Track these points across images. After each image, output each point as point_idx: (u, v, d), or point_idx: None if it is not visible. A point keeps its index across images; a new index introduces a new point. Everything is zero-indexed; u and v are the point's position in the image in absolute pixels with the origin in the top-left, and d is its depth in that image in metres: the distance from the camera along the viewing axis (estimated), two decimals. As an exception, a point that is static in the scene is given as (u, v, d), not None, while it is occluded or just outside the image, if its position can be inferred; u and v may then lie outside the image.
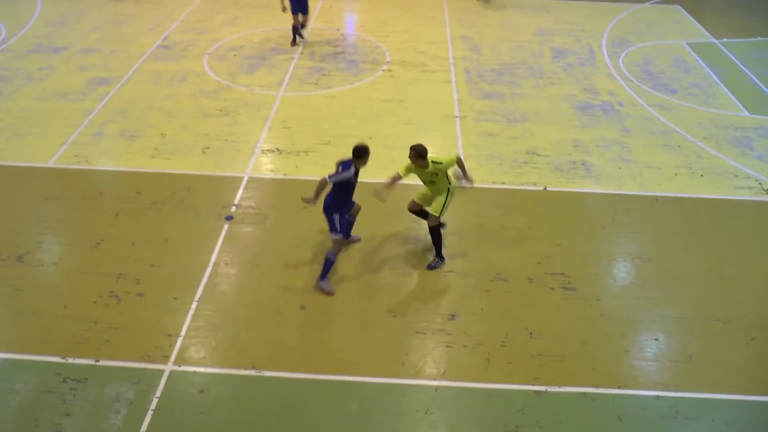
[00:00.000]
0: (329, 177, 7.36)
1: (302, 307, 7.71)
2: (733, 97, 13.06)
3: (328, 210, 7.70)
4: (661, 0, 18.41)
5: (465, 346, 7.27)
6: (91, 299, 7.69)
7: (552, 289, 8.11)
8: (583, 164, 10.59)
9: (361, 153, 7.41)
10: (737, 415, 6.73)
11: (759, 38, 16.11)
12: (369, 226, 8.82)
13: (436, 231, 8.18)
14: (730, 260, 8.77)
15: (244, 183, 9.87)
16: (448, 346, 7.26)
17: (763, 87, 13.59)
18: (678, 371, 7.12)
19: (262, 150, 10.73)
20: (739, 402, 6.83)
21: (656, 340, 7.51)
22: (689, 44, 15.49)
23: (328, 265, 7.86)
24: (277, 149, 10.76)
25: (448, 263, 8.43)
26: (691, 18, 17.21)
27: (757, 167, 10.73)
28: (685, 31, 16.29)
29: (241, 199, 9.53)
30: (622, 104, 12.51)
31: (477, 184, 9.01)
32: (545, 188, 9.98)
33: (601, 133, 11.51)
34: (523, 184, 10.04)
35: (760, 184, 10.29)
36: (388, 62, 13.90)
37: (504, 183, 10.05)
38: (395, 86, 12.94)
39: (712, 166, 10.70)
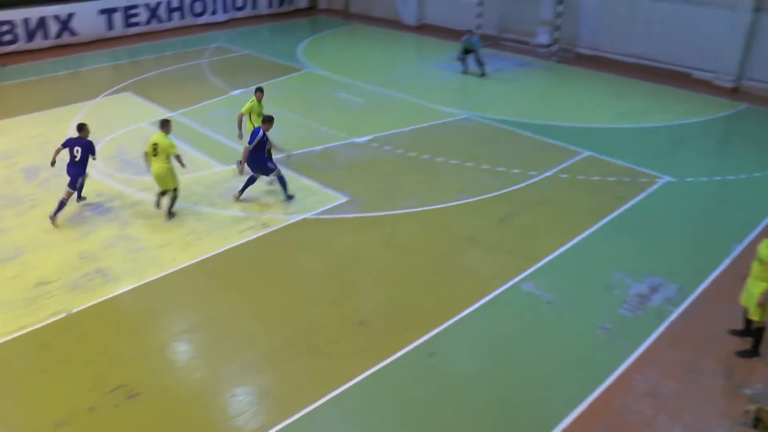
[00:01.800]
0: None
1: None
2: (206, 157, 14.44)
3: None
4: (111, 91, 19.07)
5: None
6: None
7: (117, 405, 7.71)
8: (98, 272, 10.27)
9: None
10: (328, 421, 7.57)
11: (205, 102, 18.15)
12: None
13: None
14: (263, 293, 9.80)
15: None
16: None
17: (224, 140, 15.35)
18: (264, 411, 7.64)
19: None
20: (322, 406, 7.67)
21: (233, 396, 7.88)
22: (151, 123, 16.41)
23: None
24: None
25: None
26: (143, 100, 18.29)
27: (255, 209, 12.12)
28: (144, 114, 17.21)
29: None
30: (112, 199, 12.53)
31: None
32: (69, 313, 9.36)
33: (103, 235, 11.32)
34: (45, 319, 9.20)
35: (258, 220, 11.69)
36: None
37: (25, 327, 9.06)
38: None
39: (215, 222, 11.68)
